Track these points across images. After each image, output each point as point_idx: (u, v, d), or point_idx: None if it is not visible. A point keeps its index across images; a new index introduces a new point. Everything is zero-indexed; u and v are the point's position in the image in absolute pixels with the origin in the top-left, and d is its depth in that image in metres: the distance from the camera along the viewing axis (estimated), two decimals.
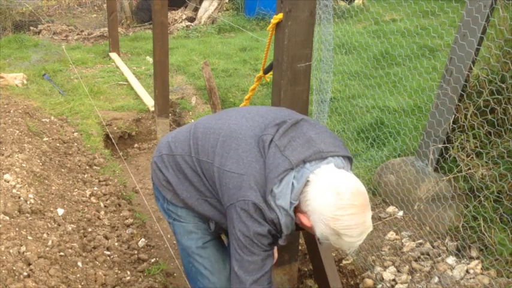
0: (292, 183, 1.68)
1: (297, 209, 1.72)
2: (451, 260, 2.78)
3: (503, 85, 2.80)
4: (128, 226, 3.36)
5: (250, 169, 1.75)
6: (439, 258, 2.81)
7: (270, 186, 1.69)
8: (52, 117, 4.74)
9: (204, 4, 9.61)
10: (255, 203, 1.71)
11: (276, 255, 2.26)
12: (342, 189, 1.60)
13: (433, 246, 2.93)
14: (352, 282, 2.88)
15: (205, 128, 1.97)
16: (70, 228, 2.98)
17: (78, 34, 8.91)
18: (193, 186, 1.97)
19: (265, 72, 2.61)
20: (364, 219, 1.61)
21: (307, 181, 1.68)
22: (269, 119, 1.87)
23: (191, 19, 9.58)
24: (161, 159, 2.08)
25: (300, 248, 2.84)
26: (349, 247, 1.66)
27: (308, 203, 1.65)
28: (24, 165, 3.39)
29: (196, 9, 9.77)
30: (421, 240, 2.98)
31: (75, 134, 4.57)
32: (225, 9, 9.79)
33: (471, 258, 2.76)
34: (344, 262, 2.98)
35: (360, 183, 1.67)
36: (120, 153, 4.70)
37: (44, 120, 4.61)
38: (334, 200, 1.59)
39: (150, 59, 7.02)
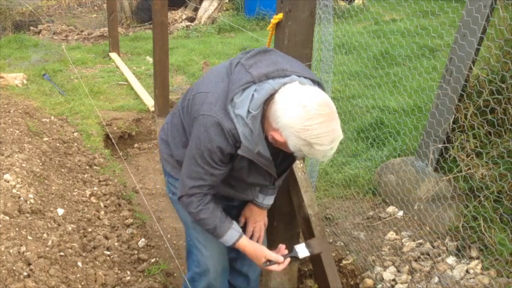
0: (253, 95, 1.77)
1: (269, 128, 1.79)
2: (451, 260, 2.78)
3: (503, 85, 2.80)
4: (128, 226, 3.36)
5: (215, 87, 1.86)
6: (439, 258, 2.80)
7: (230, 96, 1.78)
8: (52, 117, 4.74)
9: (204, 4, 9.61)
10: (212, 116, 1.80)
11: (265, 220, 2.35)
12: (308, 102, 1.68)
13: (433, 246, 2.93)
14: (352, 282, 2.88)
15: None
16: (70, 228, 2.98)
17: (78, 34, 8.91)
18: (182, 142, 2.08)
19: None
20: (332, 126, 1.68)
21: (273, 99, 1.75)
22: None
23: (191, 19, 9.58)
24: (162, 129, 2.25)
25: None
26: (322, 156, 1.74)
27: (278, 120, 1.72)
28: (24, 165, 3.39)
29: (196, 9, 9.77)
30: (421, 240, 2.98)
31: (75, 134, 4.57)
32: (225, 9, 9.79)
33: (471, 258, 2.76)
34: (344, 262, 2.98)
35: (327, 96, 1.74)
36: (120, 153, 4.70)
37: (44, 120, 4.61)
38: (302, 112, 1.67)
39: (150, 59, 7.01)
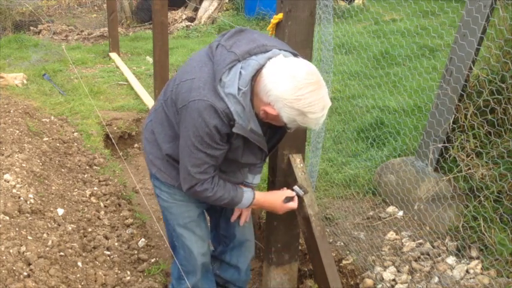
0: (240, 72, 1.80)
1: (260, 104, 1.83)
2: (451, 260, 2.78)
3: (503, 85, 2.80)
4: (128, 226, 3.36)
5: (200, 72, 1.88)
6: (439, 258, 2.81)
7: (218, 76, 1.81)
8: (52, 117, 4.74)
9: (204, 4, 9.61)
10: (203, 100, 1.82)
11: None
12: (297, 72, 1.73)
13: (433, 246, 2.93)
14: (352, 282, 2.88)
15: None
16: (70, 228, 2.98)
17: (78, 34, 8.90)
18: (168, 136, 2.10)
19: None
20: (322, 93, 1.76)
21: (261, 74, 1.78)
22: None
23: (191, 19, 9.58)
24: (146, 129, 2.26)
25: (300, 248, 2.84)
26: (315, 124, 1.80)
27: (269, 94, 1.77)
28: (24, 165, 3.39)
29: (196, 9, 9.77)
30: (421, 240, 2.98)
31: (75, 134, 4.57)
32: (225, 9, 9.79)
33: (471, 258, 2.76)
34: (344, 262, 2.98)
35: (311, 64, 1.80)
36: (120, 153, 4.70)
37: (44, 120, 4.61)
38: (292, 83, 1.72)
39: (150, 59, 7.01)
